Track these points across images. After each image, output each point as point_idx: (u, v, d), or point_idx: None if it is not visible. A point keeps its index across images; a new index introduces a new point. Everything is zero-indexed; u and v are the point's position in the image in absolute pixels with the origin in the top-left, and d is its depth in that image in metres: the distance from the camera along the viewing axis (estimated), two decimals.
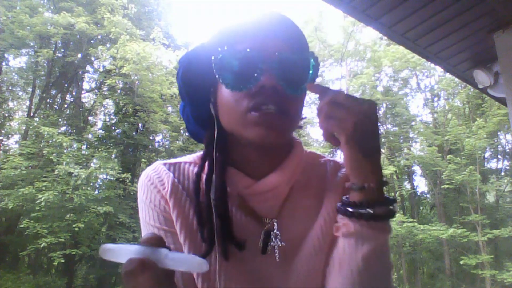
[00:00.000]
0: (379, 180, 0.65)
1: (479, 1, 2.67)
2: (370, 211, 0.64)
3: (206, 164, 0.76)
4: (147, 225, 0.76)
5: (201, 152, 0.81)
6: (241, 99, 0.69)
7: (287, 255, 0.75)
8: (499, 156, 18.74)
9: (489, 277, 14.40)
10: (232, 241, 0.71)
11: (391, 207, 0.66)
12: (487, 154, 18.62)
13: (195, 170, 0.79)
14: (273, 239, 0.75)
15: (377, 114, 0.67)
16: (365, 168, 0.65)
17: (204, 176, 0.75)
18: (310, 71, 0.71)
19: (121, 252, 0.54)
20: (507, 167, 18.60)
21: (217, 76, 0.70)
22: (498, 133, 17.31)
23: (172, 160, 0.83)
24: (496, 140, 17.77)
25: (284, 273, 0.75)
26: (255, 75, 0.67)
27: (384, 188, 0.67)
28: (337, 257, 0.71)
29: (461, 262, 14.71)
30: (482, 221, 15.07)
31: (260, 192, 0.75)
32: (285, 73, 0.68)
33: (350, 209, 0.66)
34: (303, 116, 0.78)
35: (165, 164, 0.81)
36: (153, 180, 0.78)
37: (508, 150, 18.68)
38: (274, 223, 0.76)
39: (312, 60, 0.71)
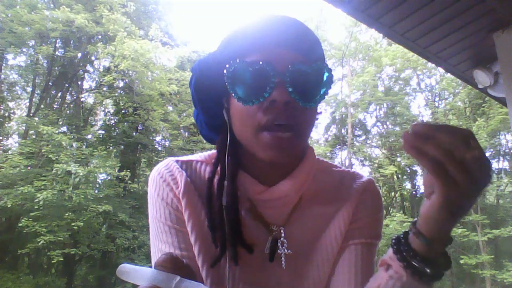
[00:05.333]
0: (449, 240, 0.59)
1: (479, 1, 2.66)
2: (428, 270, 0.58)
3: (218, 168, 0.76)
4: (158, 222, 0.76)
5: (213, 151, 0.81)
6: (253, 113, 0.68)
7: (294, 262, 0.75)
8: (500, 156, 18.73)
9: (489, 277, 14.42)
10: (242, 245, 0.72)
11: (444, 269, 0.60)
12: (487, 154, 18.47)
13: (207, 170, 0.79)
14: (280, 247, 0.74)
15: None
16: (444, 226, 0.57)
17: (216, 181, 0.74)
18: (324, 82, 0.69)
19: (136, 275, 0.56)
20: (507, 167, 18.62)
21: (229, 89, 0.69)
22: (499, 133, 17.30)
23: (184, 158, 0.82)
24: (496, 140, 17.77)
25: (292, 281, 0.75)
26: (267, 88, 0.65)
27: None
28: (372, 281, 0.68)
29: (461, 262, 14.73)
30: (482, 221, 15.09)
31: (270, 199, 0.75)
32: (298, 85, 0.66)
33: (409, 259, 0.59)
34: (317, 117, 0.77)
35: (177, 161, 0.80)
36: (166, 177, 0.77)
37: (508, 150, 18.68)
38: (281, 230, 0.76)
39: (325, 71, 0.69)
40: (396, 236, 0.63)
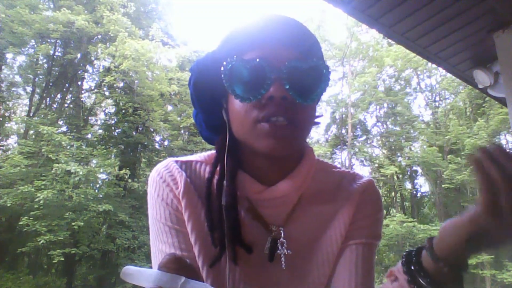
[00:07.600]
0: (463, 267, 0.58)
1: (479, 1, 2.66)
2: None
3: (218, 168, 0.75)
4: (158, 222, 0.75)
5: (212, 152, 0.81)
6: (250, 110, 0.67)
7: (294, 263, 0.75)
8: None
9: (489, 276, 14.42)
10: (241, 245, 0.71)
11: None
12: None
13: (207, 170, 0.78)
14: (280, 247, 0.74)
15: None
16: (459, 249, 0.55)
17: (215, 181, 0.74)
18: (322, 80, 0.69)
19: (140, 277, 0.56)
20: None
21: (226, 87, 0.69)
22: (499, 133, 17.30)
23: (184, 158, 0.82)
24: (496, 140, 17.78)
25: (292, 281, 0.74)
26: (264, 85, 0.65)
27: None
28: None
29: None
30: None
31: (270, 198, 0.74)
32: (295, 82, 0.66)
33: (415, 274, 0.59)
34: (317, 121, 0.76)
35: (177, 161, 0.79)
36: (165, 178, 0.77)
37: (508, 151, 18.67)
38: (281, 230, 0.75)
39: (323, 69, 0.69)
40: (409, 250, 0.63)
